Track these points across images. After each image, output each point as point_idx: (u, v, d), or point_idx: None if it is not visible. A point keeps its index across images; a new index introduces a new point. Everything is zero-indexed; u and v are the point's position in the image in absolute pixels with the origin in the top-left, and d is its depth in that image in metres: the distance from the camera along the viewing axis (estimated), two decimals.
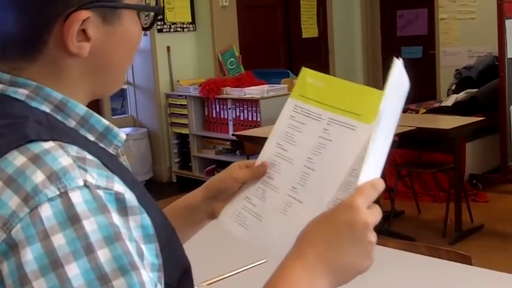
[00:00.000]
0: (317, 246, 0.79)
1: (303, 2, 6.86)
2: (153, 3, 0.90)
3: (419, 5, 6.98)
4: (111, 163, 0.72)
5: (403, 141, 4.56)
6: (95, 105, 5.92)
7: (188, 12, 6.04)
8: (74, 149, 0.69)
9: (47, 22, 0.73)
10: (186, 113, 5.84)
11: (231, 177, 1.01)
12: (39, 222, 0.62)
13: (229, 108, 5.52)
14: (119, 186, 0.68)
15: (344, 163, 0.86)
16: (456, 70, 6.05)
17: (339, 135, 0.89)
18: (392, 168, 4.83)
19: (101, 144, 0.76)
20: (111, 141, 0.78)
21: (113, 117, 6.28)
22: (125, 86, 6.39)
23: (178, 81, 5.97)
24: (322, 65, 7.03)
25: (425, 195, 5.04)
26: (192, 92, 5.75)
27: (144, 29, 0.83)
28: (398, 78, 0.85)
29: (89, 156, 0.69)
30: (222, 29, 6.00)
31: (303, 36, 6.90)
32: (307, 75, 0.97)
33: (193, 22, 6.09)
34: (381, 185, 0.82)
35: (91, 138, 0.76)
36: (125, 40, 0.79)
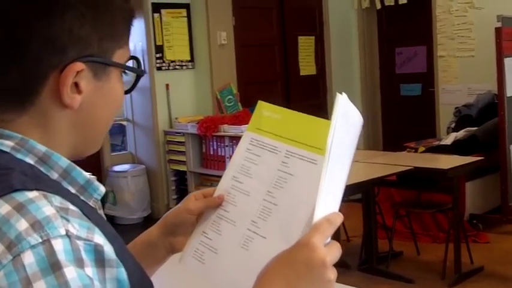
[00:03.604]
0: (276, 286, 0.78)
1: (301, 39, 6.90)
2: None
3: (418, 43, 7.02)
4: (92, 215, 0.74)
5: (402, 181, 4.54)
6: None
7: (187, 51, 6.09)
8: (57, 199, 0.70)
9: (44, 74, 0.76)
10: (184, 150, 5.84)
11: (185, 210, 1.01)
12: (21, 269, 0.64)
13: (227, 146, 5.51)
14: (99, 238, 0.70)
15: (309, 198, 0.83)
16: (456, 108, 6.04)
17: (300, 169, 0.87)
18: (391, 208, 4.79)
19: (82, 197, 0.79)
20: (91, 194, 0.80)
21: (112, 153, 6.29)
22: (125, 123, 6.41)
23: (176, 118, 5.99)
24: (320, 102, 7.03)
25: (424, 235, 4.98)
26: (190, 130, 5.75)
27: (126, 91, 0.87)
28: (345, 111, 0.84)
29: (72, 207, 0.71)
30: (220, 66, 6.03)
31: (301, 74, 6.92)
32: (263, 108, 0.97)
33: (192, 60, 6.13)
34: (338, 220, 0.82)
35: (72, 190, 0.78)
36: (111, 97, 0.83)
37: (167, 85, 5.99)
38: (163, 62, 5.96)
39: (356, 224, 4.72)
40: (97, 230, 0.71)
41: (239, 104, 6.04)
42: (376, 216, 4.54)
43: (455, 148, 5.21)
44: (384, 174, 4.14)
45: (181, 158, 5.90)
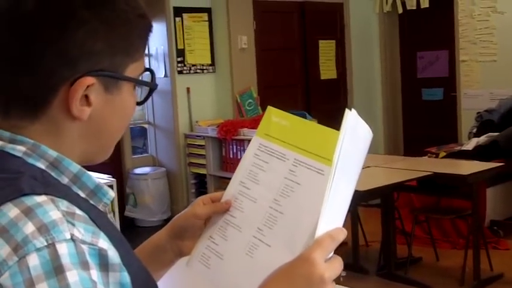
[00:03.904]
0: None
1: (322, 43, 6.90)
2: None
3: (440, 47, 6.97)
4: (99, 219, 0.76)
5: (421, 186, 4.51)
6: (117, 143, 5.98)
7: (208, 54, 6.12)
8: (64, 204, 0.72)
9: (55, 85, 0.77)
10: (204, 153, 5.87)
11: (192, 215, 1.01)
12: (26, 270, 0.66)
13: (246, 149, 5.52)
14: (103, 243, 0.72)
15: (315, 209, 0.83)
16: (477, 113, 5.98)
17: (307, 178, 0.87)
18: (410, 213, 4.76)
19: (91, 201, 0.80)
20: (101, 199, 0.81)
21: (134, 156, 6.34)
22: (146, 126, 6.47)
23: (197, 121, 6.02)
24: (341, 107, 6.99)
25: (444, 241, 4.94)
26: (210, 133, 5.78)
27: (138, 103, 0.89)
28: (353, 125, 0.85)
29: (78, 212, 0.73)
30: (241, 70, 6.06)
31: (321, 78, 6.92)
32: (273, 113, 0.97)
33: (212, 64, 6.17)
34: (341, 235, 0.82)
35: (82, 194, 0.79)
36: (121, 110, 0.84)
37: (188, 89, 6.03)
38: (185, 65, 6.01)
39: (375, 229, 4.70)
40: (102, 234, 0.73)
41: (259, 107, 6.06)
42: (395, 222, 4.51)
43: (476, 153, 5.16)
44: (404, 180, 4.12)
45: (202, 161, 5.93)
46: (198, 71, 6.10)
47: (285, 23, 6.62)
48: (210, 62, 6.15)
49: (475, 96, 6.42)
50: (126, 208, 6.01)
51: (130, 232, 5.59)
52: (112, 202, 3.06)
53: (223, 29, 6.05)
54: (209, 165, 5.86)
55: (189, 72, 6.05)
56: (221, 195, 1.00)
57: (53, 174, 0.78)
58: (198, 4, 6.04)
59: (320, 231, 0.81)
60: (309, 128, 0.91)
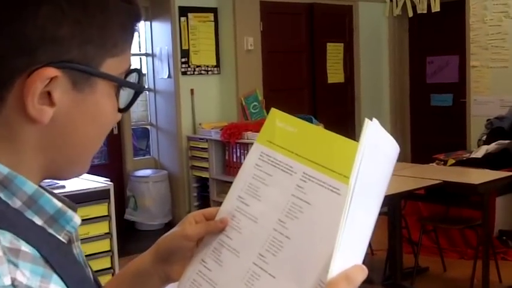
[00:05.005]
0: None
1: (330, 46, 6.79)
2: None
3: (450, 52, 6.85)
4: (54, 256, 0.62)
5: (429, 195, 4.39)
6: (117, 145, 5.90)
7: (213, 55, 6.02)
8: (7, 238, 0.58)
9: (8, 77, 0.63)
10: (207, 156, 5.76)
11: (182, 235, 0.86)
12: None
13: None
14: None
15: (330, 236, 0.68)
16: (487, 120, 5.87)
17: (319, 198, 0.73)
18: (417, 222, 4.64)
19: (50, 230, 0.65)
20: (63, 227, 0.67)
21: (135, 158, 6.24)
22: (148, 127, 6.37)
23: (200, 124, 5.92)
24: (348, 111, 6.90)
25: (451, 251, 4.82)
26: (214, 136, 5.68)
27: (120, 110, 0.72)
28: (375, 139, 0.70)
29: (24, 248, 0.59)
30: (246, 72, 5.95)
31: (329, 82, 6.80)
32: (277, 117, 0.82)
33: (217, 65, 6.06)
34: (360, 276, 0.67)
35: (38, 222, 0.65)
36: (94, 114, 0.68)
37: (192, 90, 5.92)
38: (189, 66, 5.90)
39: (381, 237, 4.58)
40: (54, 277, 0.60)
41: (264, 110, 5.95)
42: (401, 230, 4.40)
43: (486, 161, 5.04)
44: (411, 188, 4.01)
45: (204, 164, 5.82)
46: (203, 72, 5.99)
47: (293, 24, 6.51)
48: (215, 63, 6.04)
49: (485, 102, 6.30)
50: (126, 211, 5.90)
51: (130, 236, 5.50)
52: (109, 204, 2.88)
53: (229, 29, 5.94)
54: (212, 169, 5.75)
55: (193, 74, 5.94)
56: (216, 211, 0.86)
57: (1, 195, 0.63)
58: (203, 4, 5.94)
59: (335, 269, 0.66)
60: (321, 136, 0.76)
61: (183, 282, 0.86)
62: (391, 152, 0.73)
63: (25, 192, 0.64)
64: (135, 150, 6.34)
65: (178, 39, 5.83)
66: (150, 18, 6.03)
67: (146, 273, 0.90)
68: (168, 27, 5.83)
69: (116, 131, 5.95)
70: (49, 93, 0.64)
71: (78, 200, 3.55)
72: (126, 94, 0.73)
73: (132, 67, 0.73)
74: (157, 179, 5.92)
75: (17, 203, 0.64)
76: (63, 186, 3.60)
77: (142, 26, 6.20)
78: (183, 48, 5.86)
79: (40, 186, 0.69)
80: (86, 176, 4.07)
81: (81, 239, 2.75)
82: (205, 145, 5.79)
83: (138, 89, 0.73)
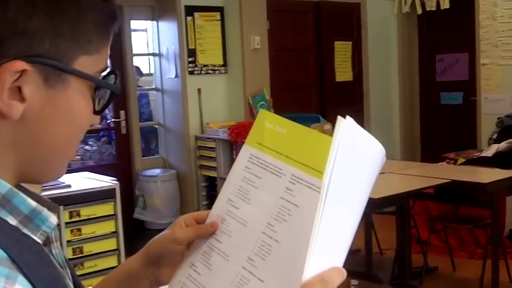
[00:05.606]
0: None
1: (338, 44, 6.75)
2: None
3: (460, 49, 6.78)
4: (24, 257, 0.61)
5: (439, 194, 4.34)
6: (126, 144, 5.90)
7: (220, 55, 6.00)
8: None
9: None
10: (215, 156, 5.75)
11: (171, 239, 0.86)
12: None
13: None
14: None
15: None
16: (498, 118, 5.80)
17: (308, 200, 0.70)
18: (426, 221, 4.60)
19: (25, 230, 0.65)
20: (39, 226, 0.67)
21: (144, 157, 6.24)
22: (157, 127, 6.37)
23: (208, 123, 5.91)
24: (356, 110, 6.85)
25: (461, 250, 4.78)
26: (221, 135, 5.66)
27: (95, 112, 0.71)
28: (350, 138, 0.68)
29: None
30: (254, 71, 5.93)
31: (337, 80, 6.76)
32: (266, 118, 0.80)
33: (224, 64, 6.04)
34: (336, 279, 0.65)
35: (12, 222, 0.64)
36: (67, 112, 0.67)
37: (199, 90, 5.91)
38: (196, 66, 5.89)
39: (390, 236, 4.55)
40: (20, 278, 0.59)
41: (272, 110, 5.91)
42: (410, 230, 4.36)
43: (496, 160, 4.98)
44: (420, 187, 3.96)
45: (212, 163, 5.81)
46: (210, 71, 5.98)
47: (300, 23, 6.47)
48: (221, 63, 6.02)
49: (496, 100, 6.23)
50: (135, 210, 5.92)
51: (139, 235, 5.51)
52: (115, 203, 2.87)
53: (236, 28, 5.92)
54: (220, 168, 5.74)
55: (200, 73, 5.93)
56: (206, 215, 0.85)
57: None
58: (210, 3, 5.92)
59: (309, 271, 0.64)
60: (310, 137, 0.73)
61: (173, 286, 0.85)
62: (373, 153, 0.71)
63: None
64: (146, 150, 6.34)
65: (185, 38, 5.81)
66: (156, 17, 6.02)
67: (136, 276, 0.90)
68: (174, 27, 5.82)
69: (124, 131, 5.96)
70: (19, 89, 0.63)
71: (84, 199, 3.59)
72: (101, 95, 0.72)
73: (109, 68, 0.72)
74: (166, 179, 5.92)
75: None
76: (69, 186, 3.61)
77: (149, 25, 6.20)
78: (190, 47, 5.84)
79: (19, 186, 0.69)
80: (92, 175, 4.08)
81: (88, 238, 2.74)
82: (212, 144, 5.78)
83: (113, 90, 0.72)
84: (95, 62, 0.69)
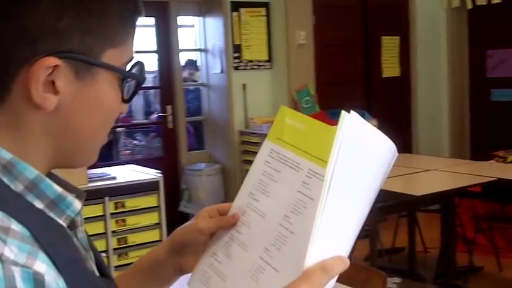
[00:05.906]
0: None
1: (385, 40, 6.66)
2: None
3: None
4: (45, 237, 0.65)
5: (485, 193, 4.25)
6: (172, 138, 5.99)
7: (265, 50, 6.02)
8: None
9: (12, 68, 0.68)
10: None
11: (195, 229, 0.91)
12: None
13: None
14: (41, 265, 0.62)
15: None
16: None
17: (319, 192, 0.73)
18: (472, 220, 4.51)
19: (51, 214, 0.70)
20: (63, 211, 0.71)
21: (189, 151, 6.32)
22: (203, 121, 6.45)
23: (252, 118, 5.94)
24: (403, 106, 6.75)
25: (508, 250, 4.66)
26: (265, 130, 5.68)
27: (124, 100, 0.76)
28: (355, 131, 0.71)
29: (14, 226, 0.63)
30: (299, 67, 5.92)
31: (383, 76, 6.67)
32: (286, 114, 0.84)
33: (269, 60, 6.05)
34: (337, 267, 0.68)
35: (39, 205, 0.69)
36: (97, 103, 0.73)
37: (244, 85, 5.95)
38: (241, 61, 5.92)
39: (435, 235, 4.49)
40: (41, 255, 0.63)
41: (316, 105, 5.90)
42: (455, 228, 4.29)
43: None
44: (465, 185, 3.89)
45: None
46: (255, 67, 6.00)
47: (346, 18, 6.40)
48: (267, 58, 6.04)
49: None
50: (181, 203, 6.02)
51: None
52: (159, 196, 2.97)
53: (281, 24, 5.92)
54: None
55: (246, 68, 5.96)
56: (229, 206, 0.89)
57: (4, 179, 0.67)
58: None
59: (311, 258, 0.67)
60: (329, 134, 0.75)
61: (195, 274, 0.89)
62: (381, 148, 0.73)
63: (26, 176, 0.68)
64: (191, 145, 6.43)
65: (231, 34, 5.85)
66: (203, 13, 6.08)
67: (161, 264, 0.95)
68: (220, 23, 5.86)
69: (171, 125, 6.05)
70: (53, 82, 0.68)
71: (129, 190, 3.68)
72: (129, 85, 0.77)
73: (134, 59, 0.76)
74: (211, 173, 5.99)
75: (19, 187, 0.68)
76: (115, 178, 3.70)
77: (196, 21, 6.26)
78: (235, 43, 5.88)
79: (50, 173, 0.74)
80: (137, 168, 4.17)
81: (132, 229, 2.83)
82: (257, 139, 5.80)
83: (139, 80, 0.77)
84: (121, 54, 0.74)
